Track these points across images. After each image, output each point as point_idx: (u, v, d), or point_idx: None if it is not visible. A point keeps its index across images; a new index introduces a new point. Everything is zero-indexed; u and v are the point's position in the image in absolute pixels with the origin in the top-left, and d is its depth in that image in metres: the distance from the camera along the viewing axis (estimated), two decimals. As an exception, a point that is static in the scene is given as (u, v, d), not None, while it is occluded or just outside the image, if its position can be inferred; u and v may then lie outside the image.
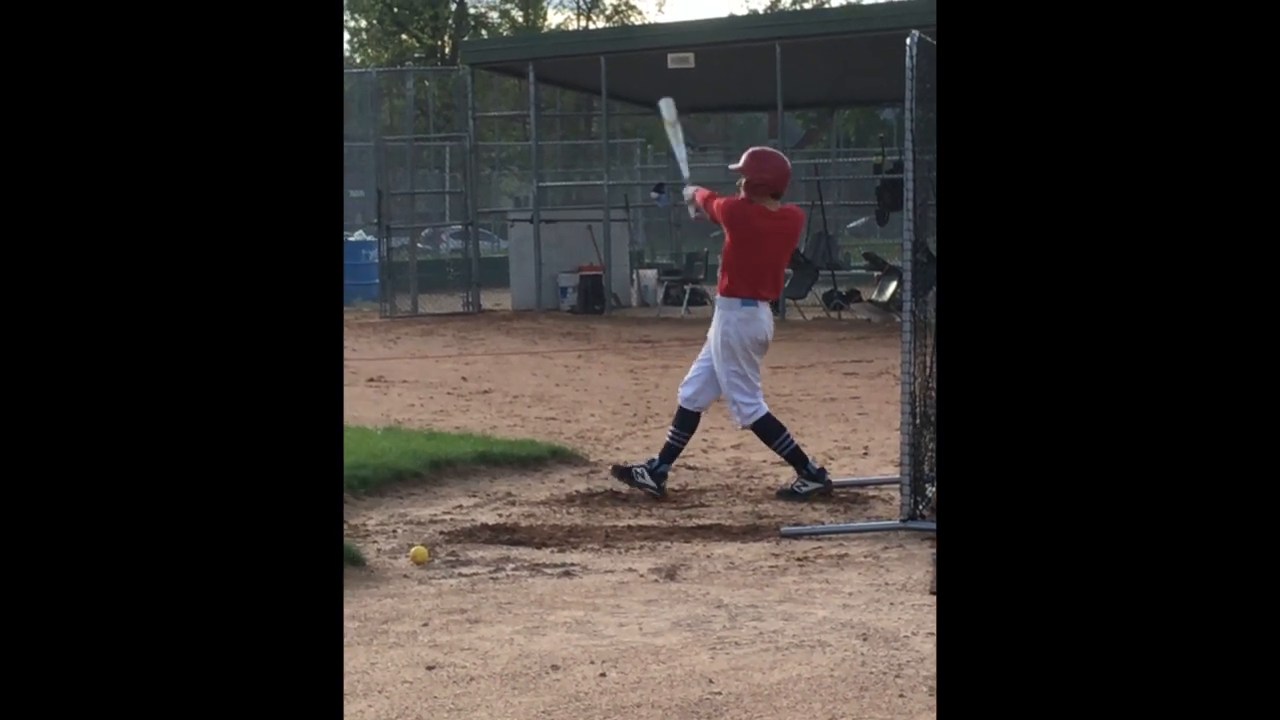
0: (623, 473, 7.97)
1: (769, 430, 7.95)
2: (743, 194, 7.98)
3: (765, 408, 7.97)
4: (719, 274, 8.06)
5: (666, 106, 9.17)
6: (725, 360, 7.87)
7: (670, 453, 8.00)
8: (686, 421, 8.05)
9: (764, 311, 7.92)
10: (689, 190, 8.36)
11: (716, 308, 8.05)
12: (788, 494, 7.81)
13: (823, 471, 7.92)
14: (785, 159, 8.21)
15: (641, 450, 9.35)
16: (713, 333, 7.95)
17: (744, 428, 8.03)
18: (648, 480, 7.88)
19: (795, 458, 7.92)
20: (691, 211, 8.52)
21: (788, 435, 7.98)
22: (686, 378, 8.12)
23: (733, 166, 8.18)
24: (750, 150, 8.25)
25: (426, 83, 31.13)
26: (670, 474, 8.22)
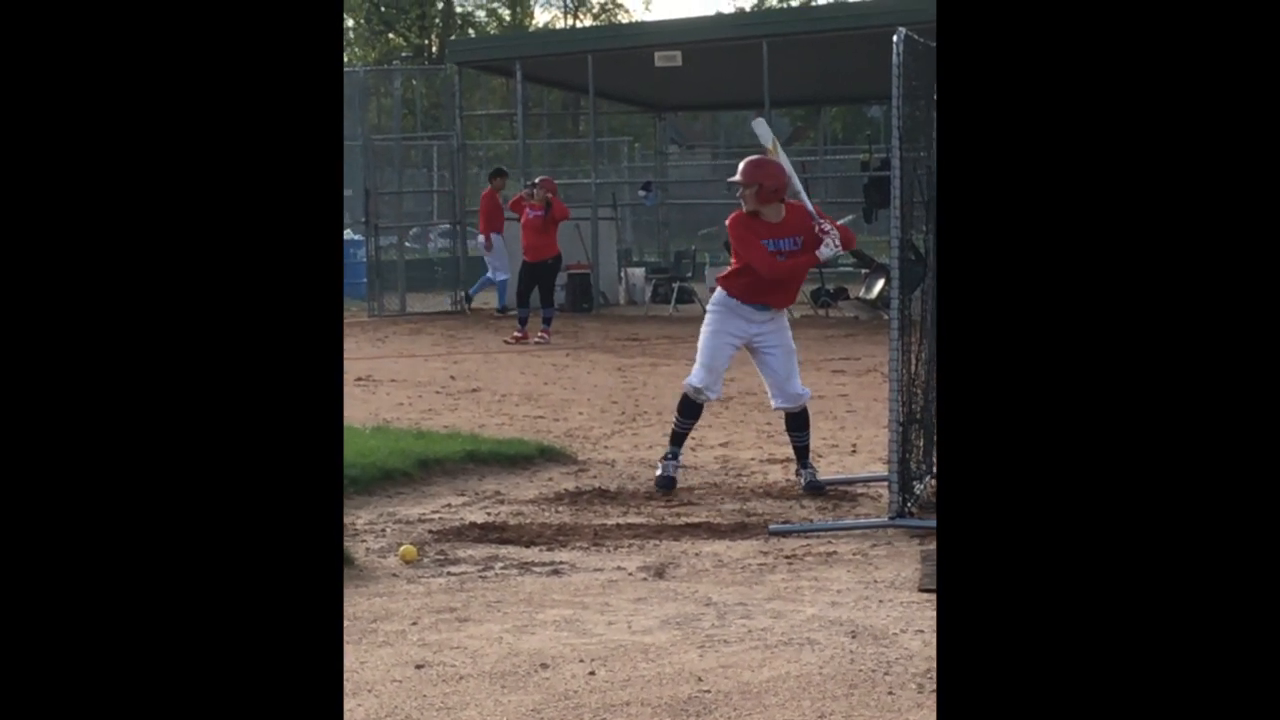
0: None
1: (807, 417, 8.05)
2: (754, 205, 7.83)
3: None
4: (790, 291, 8.05)
5: (761, 129, 8.38)
6: (794, 349, 8.03)
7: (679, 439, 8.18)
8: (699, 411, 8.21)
9: None
10: (834, 241, 7.81)
11: (780, 316, 8.01)
12: (815, 485, 7.87)
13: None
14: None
15: (629, 448, 9.36)
16: (784, 335, 7.97)
17: (791, 410, 8.01)
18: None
19: (806, 451, 8.02)
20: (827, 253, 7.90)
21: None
22: (715, 379, 8.07)
23: (736, 179, 7.91)
24: (754, 161, 7.98)
25: (414, 82, 31.03)
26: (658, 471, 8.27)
